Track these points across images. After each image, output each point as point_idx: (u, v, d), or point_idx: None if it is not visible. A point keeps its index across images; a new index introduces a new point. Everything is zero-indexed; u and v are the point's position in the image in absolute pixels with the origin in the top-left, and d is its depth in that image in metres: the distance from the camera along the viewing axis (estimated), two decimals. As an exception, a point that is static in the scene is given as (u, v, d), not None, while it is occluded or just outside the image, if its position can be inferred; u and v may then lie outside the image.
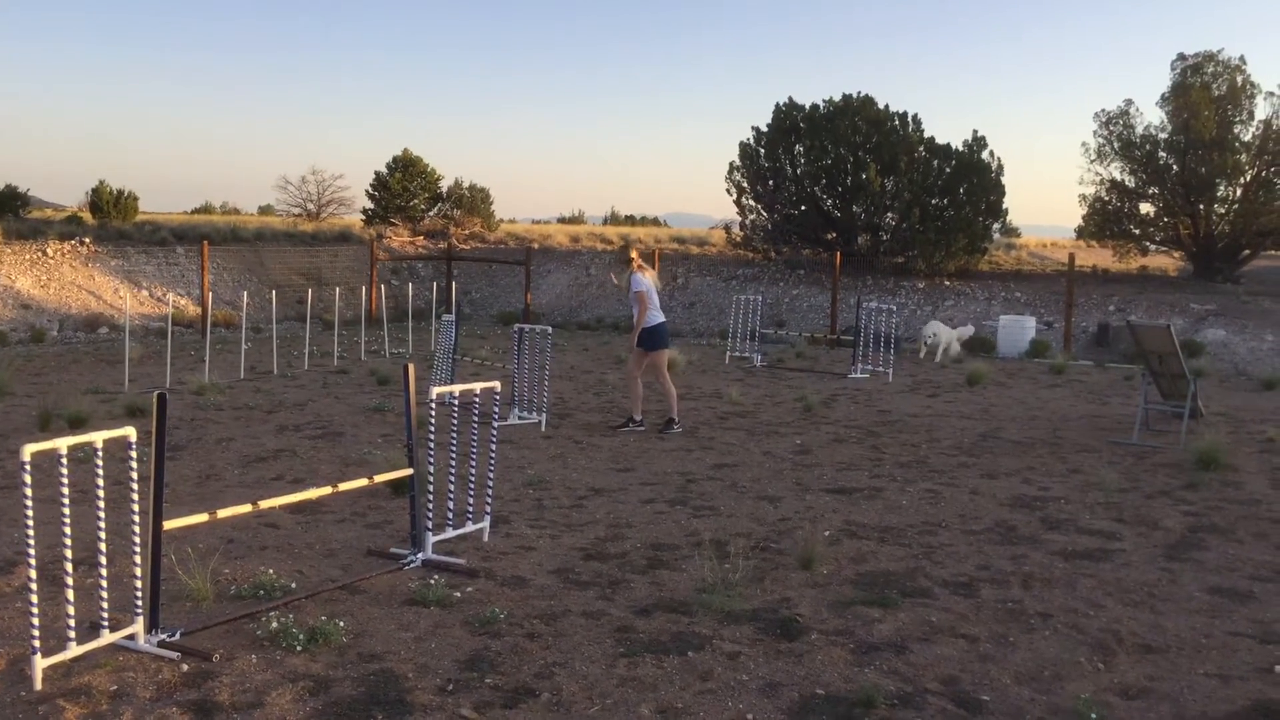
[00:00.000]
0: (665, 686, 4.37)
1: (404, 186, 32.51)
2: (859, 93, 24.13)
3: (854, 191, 23.59)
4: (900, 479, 8.36)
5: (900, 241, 23.21)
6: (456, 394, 6.43)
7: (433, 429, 6.24)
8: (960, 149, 23.33)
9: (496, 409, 7.48)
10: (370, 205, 32.95)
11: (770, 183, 24.70)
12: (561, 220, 53.21)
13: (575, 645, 4.82)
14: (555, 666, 4.56)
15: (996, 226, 25.10)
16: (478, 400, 6.60)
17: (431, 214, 32.56)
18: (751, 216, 25.45)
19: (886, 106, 23.95)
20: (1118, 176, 24.75)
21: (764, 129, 24.80)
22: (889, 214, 23.63)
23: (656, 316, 10.23)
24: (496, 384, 7.24)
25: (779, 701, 4.25)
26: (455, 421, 6.47)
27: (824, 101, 24.38)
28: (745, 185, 25.20)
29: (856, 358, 15.13)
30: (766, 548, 6.40)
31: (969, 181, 23.06)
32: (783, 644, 4.86)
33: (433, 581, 5.57)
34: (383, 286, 19.99)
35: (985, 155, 23.26)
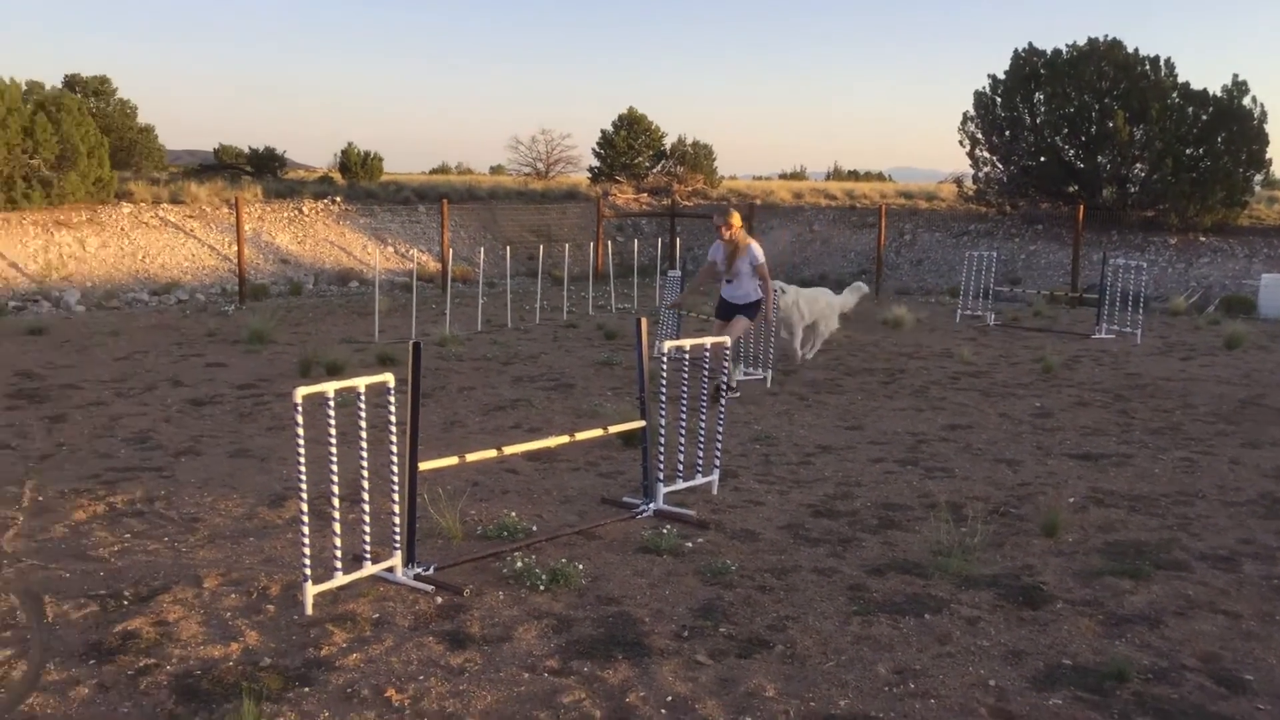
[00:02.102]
0: (902, 647, 4.31)
1: (629, 144, 32.91)
2: (1105, 36, 22.67)
3: (1099, 141, 22.22)
4: (1152, 446, 7.89)
5: (1150, 194, 21.73)
6: (687, 348, 6.48)
7: (663, 383, 6.34)
8: (1218, 94, 21.55)
9: (726, 364, 7.53)
10: (596, 163, 33.56)
11: (1007, 133, 23.58)
12: (783, 176, 52.55)
13: (808, 600, 4.81)
14: (788, 620, 4.58)
15: (1258, 178, 23.06)
16: (707, 355, 6.65)
17: (655, 171, 32.84)
18: (986, 169, 24.38)
19: (1136, 50, 22.38)
20: (1404, 121, 22.30)
21: (1001, 77, 23.66)
22: (1137, 165, 22.14)
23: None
24: (726, 340, 7.27)
25: (1023, 669, 4.12)
26: (685, 376, 6.54)
27: (1067, 46, 23.02)
28: (980, 136, 24.14)
29: (1101, 317, 14.34)
30: (1005, 513, 6.19)
31: (1228, 130, 21.29)
32: (1025, 612, 4.70)
33: (665, 531, 5.68)
34: (608, 243, 20.38)
35: (1246, 101, 21.40)
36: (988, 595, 4.88)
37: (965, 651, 4.28)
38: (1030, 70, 23.22)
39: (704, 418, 6.35)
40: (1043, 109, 23.13)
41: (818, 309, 11.79)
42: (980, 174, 24.51)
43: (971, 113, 24.22)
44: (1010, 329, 15.07)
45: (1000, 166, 24.15)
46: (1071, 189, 23.10)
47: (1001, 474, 7.08)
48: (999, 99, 23.71)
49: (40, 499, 6.22)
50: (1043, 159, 23.28)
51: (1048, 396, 9.85)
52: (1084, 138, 22.62)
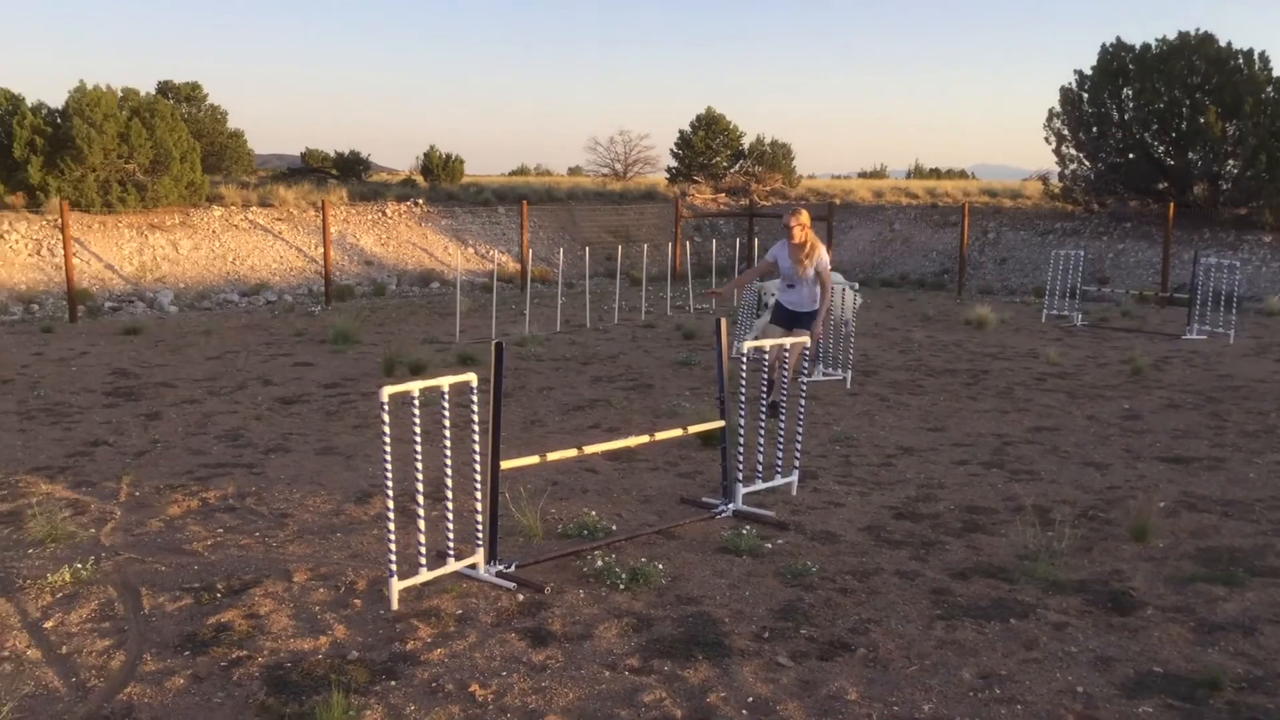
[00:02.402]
0: (987, 652, 4.25)
1: (707, 145, 32.90)
2: (1196, 30, 22.06)
3: (1190, 137, 21.63)
4: (1246, 449, 7.66)
5: (1243, 191, 21.10)
6: (766, 349, 6.46)
7: (743, 384, 6.33)
8: (1319, 87, 20.85)
9: (805, 365, 7.49)
10: (674, 164, 33.60)
11: (1094, 130, 23.09)
12: (862, 175, 52.07)
13: (890, 603, 4.77)
14: (870, 623, 4.54)
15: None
16: (786, 355, 6.65)
17: (733, 171, 32.78)
18: (1072, 166, 23.89)
19: (1229, 44, 21.75)
20: None
21: (1088, 72, 23.17)
22: (1230, 161, 21.51)
23: None
24: (805, 339, 7.25)
25: (1112, 676, 4.04)
26: (764, 376, 6.52)
27: (1156, 41, 22.45)
28: (1066, 133, 23.67)
29: (1192, 318, 13.96)
30: (1094, 517, 6.06)
31: (1327, 124, 20.57)
32: (1114, 618, 4.60)
33: (744, 531, 5.67)
34: (686, 243, 20.39)
35: (1350, 93, 20.66)
36: (1075, 600, 4.79)
37: (1052, 657, 4.20)
38: (1118, 65, 22.69)
39: (783, 418, 6.32)
40: (1131, 105, 22.59)
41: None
42: (1067, 171, 24.03)
43: (1058, 109, 23.76)
44: (1098, 329, 14.75)
45: (1087, 164, 23.66)
46: (1161, 186, 22.54)
47: (1089, 477, 6.94)
48: (1086, 95, 23.22)
49: (137, 494, 6.42)
50: (1131, 156, 22.75)
51: (1137, 398, 9.62)
52: (1174, 134, 22.06)
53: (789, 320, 8.51)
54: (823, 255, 8.40)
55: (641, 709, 3.77)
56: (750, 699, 3.85)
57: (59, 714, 3.72)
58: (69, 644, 4.29)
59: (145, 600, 4.74)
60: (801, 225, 8.27)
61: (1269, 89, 21.01)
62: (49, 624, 4.48)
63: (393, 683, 3.96)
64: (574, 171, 49.55)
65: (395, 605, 4.63)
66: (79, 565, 5.06)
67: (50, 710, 3.74)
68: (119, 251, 18.21)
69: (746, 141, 33.53)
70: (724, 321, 6.32)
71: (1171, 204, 19.78)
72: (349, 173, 30.01)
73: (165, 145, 19.81)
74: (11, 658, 4.15)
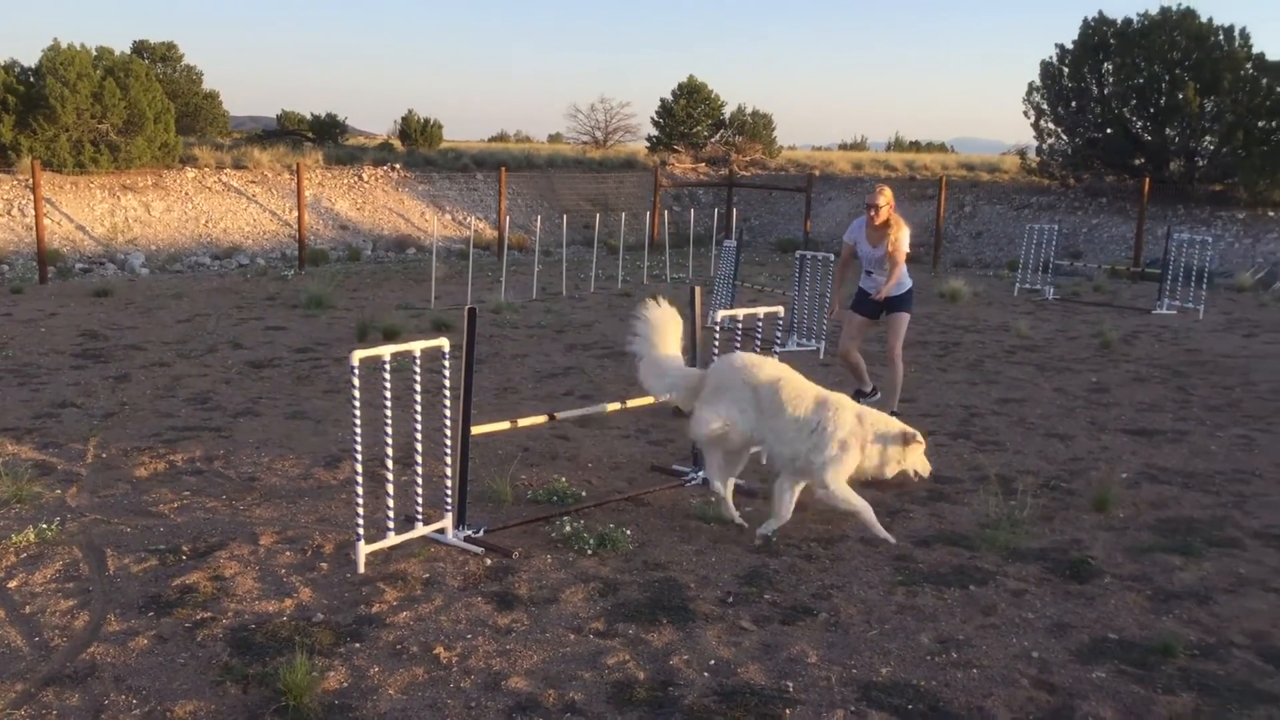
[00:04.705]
0: (945, 618, 4.32)
1: (688, 113, 32.75)
2: (1178, 5, 22.09)
3: (1168, 113, 21.73)
4: (1209, 423, 7.76)
5: (1219, 168, 21.23)
6: (740, 318, 6.49)
7: (716, 352, 6.35)
8: (1296, 65, 20.94)
9: (779, 334, 7.50)
10: (655, 133, 33.45)
11: (1073, 104, 23.14)
12: (843, 147, 52.04)
13: (852, 570, 4.83)
14: (832, 589, 4.60)
15: (1335, 151, 22.41)
16: (759, 325, 6.68)
17: (714, 141, 32.68)
18: (1050, 140, 23.97)
19: (1210, 20, 21.82)
20: None
21: (1069, 46, 23.21)
22: (1207, 138, 21.63)
23: None
24: (780, 309, 7.25)
25: (1067, 642, 4.11)
26: (738, 345, 6.55)
27: (1138, 15, 22.49)
28: (1045, 107, 23.72)
29: (1163, 293, 14.08)
30: (1056, 487, 6.14)
31: (1305, 101, 20.69)
32: (1072, 585, 4.68)
33: (713, 499, 5.71)
34: (665, 212, 20.35)
35: (1326, 71, 20.76)
36: (1034, 568, 4.86)
37: (1010, 623, 4.28)
38: (1099, 40, 22.74)
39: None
40: (1111, 80, 22.65)
41: None
42: (1044, 146, 24.11)
43: (1038, 83, 23.81)
44: (1069, 303, 14.85)
45: (1065, 138, 23.73)
46: (1138, 162, 22.65)
47: (1054, 448, 7.02)
48: (1066, 69, 23.26)
49: (103, 456, 6.40)
50: (1109, 131, 22.83)
51: (1104, 372, 9.72)
52: (1153, 109, 22.14)
53: (875, 308, 7.58)
54: (904, 236, 7.47)
55: (605, 671, 3.81)
56: (712, 661, 3.90)
57: (21, 672, 3.73)
58: (33, 604, 4.29)
59: (110, 561, 4.74)
60: (889, 204, 7.45)
61: (1248, 66, 21.10)
62: (13, 584, 4.48)
63: (357, 645, 3.98)
64: (554, 139, 49.29)
65: (362, 569, 4.66)
66: (44, 526, 5.05)
67: (13, 669, 3.75)
68: (90, 213, 18.03)
69: (728, 111, 33.41)
70: (698, 290, 6.34)
71: (1147, 179, 19.88)
72: (325, 136, 29.71)
73: (139, 105, 19.58)
74: (-25, 617, 4.15)
